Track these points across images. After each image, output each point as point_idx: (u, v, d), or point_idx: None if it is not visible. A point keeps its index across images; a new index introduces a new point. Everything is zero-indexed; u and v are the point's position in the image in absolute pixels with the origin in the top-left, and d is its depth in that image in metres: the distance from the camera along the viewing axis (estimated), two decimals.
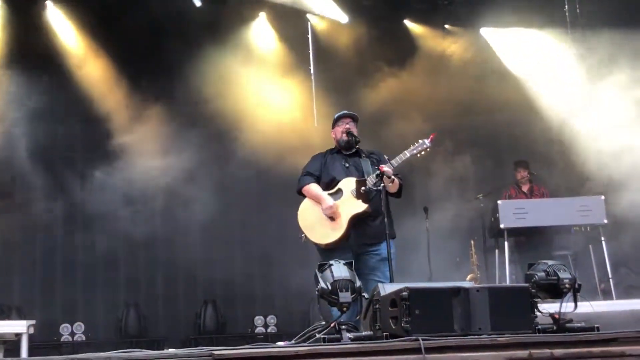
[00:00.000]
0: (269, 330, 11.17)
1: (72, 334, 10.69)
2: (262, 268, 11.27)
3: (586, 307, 5.12)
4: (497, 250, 9.00)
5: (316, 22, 12.04)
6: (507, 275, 8.62)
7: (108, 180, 10.80)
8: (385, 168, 6.16)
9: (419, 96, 11.19)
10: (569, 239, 9.20)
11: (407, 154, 6.41)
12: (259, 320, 11.19)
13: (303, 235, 6.45)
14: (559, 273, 4.72)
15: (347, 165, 6.58)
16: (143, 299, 11.14)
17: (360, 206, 6.29)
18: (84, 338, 10.68)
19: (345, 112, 6.76)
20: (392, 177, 6.25)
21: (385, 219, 6.04)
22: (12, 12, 10.48)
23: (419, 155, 6.45)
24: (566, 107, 10.31)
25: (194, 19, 10.94)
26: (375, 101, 11.23)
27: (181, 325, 11.23)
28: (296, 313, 11.10)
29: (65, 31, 10.92)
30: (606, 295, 8.34)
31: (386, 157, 6.39)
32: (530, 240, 9.11)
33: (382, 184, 6.06)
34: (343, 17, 11.77)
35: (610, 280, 8.35)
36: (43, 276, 10.92)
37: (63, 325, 10.66)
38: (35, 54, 10.58)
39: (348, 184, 6.38)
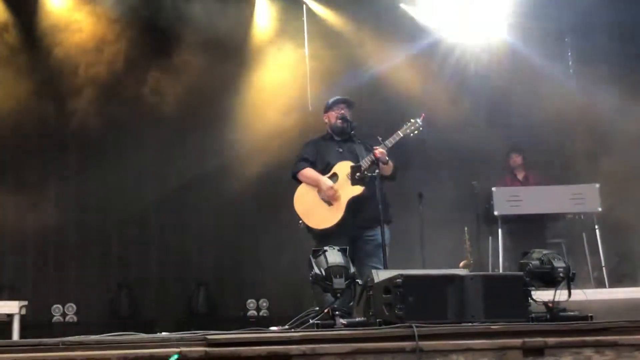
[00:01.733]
0: (261, 313, 11.15)
1: (64, 314, 10.64)
2: (254, 251, 11.23)
3: (580, 295, 5.13)
4: (490, 237, 9.00)
5: (312, 5, 11.97)
6: (500, 262, 8.63)
7: (102, 161, 10.75)
8: (380, 150, 6.15)
9: (415, 79, 11.15)
10: (563, 227, 9.21)
11: (400, 134, 6.43)
12: (251, 303, 11.16)
13: (301, 221, 6.43)
14: (553, 262, 4.73)
15: (340, 150, 6.57)
16: (135, 280, 11.10)
17: (357, 189, 6.28)
18: (75, 319, 10.64)
19: (340, 97, 6.72)
20: (387, 159, 6.24)
21: (380, 205, 6.02)
22: None
23: (412, 134, 6.47)
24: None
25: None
26: (371, 85, 11.18)
27: (173, 307, 11.19)
28: (288, 296, 11.09)
29: None
30: (599, 283, 8.35)
31: (380, 138, 6.36)
32: (524, 228, 9.10)
33: (377, 170, 6.05)
34: None
35: (604, 268, 8.36)
36: (35, 256, 10.88)
37: (55, 306, 10.62)
38: None
39: (343, 168, 6.38)
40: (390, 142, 6.34)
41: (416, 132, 6.45)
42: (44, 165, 10.96)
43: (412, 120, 6.48)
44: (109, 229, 11.02)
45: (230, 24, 11.06)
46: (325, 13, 11.94)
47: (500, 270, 8.55)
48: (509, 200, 8.49)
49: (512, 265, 8.52)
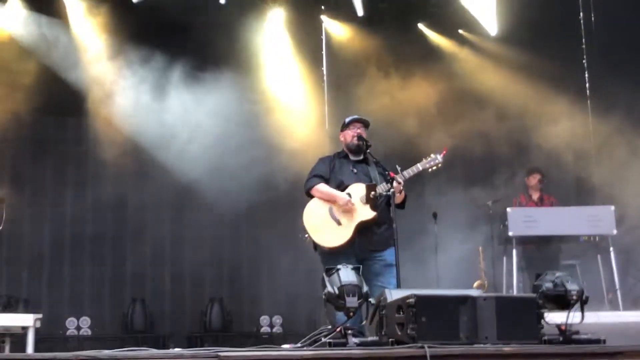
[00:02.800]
0: (274, 330, 11.18)
1: (78, 328, 10.72)
2: (269, 268, 11.27)
3: (593, 317, 5.11)
4: (505, 258, 8.98)
5: (330, 25, 12.05)
6: (514, 283, 8.60)
7: (118, 176, 10.82)
8: (398, 180, 6.19)
9: (431, 100, 11.19)
10: (577, 249, 9.17)
11: (419, 167, 6.45)
12: (264, 319, 11.19)
13: (307, 235, 6.44)
14: (566, 284, 4.71)
15: (355, 171, 6.58)
16: (149, 295, 11.15)
17: (369, 214, 6.29)
18: (89, 332, 10.71)
19: (357, 116, 6.75)
20: (401, 188, 6.28)
21: (394, 224, 6.03)
22: None
23: (430, 170, 6.50)
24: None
25: (208, 16, 10.94)
26: (387, 106, 11.22)
27: (187, 322, 11.25)
28: (302, 314, 11.11)
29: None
30: (613, 305, 8.31)
31: (399, 168, 6.38)
32: (538, 249, 9.10)
33: (392, 189, 6.07)
34: (358, 11, 11.76)
35: (618, 291, 8.32)
36: (50, 270, 10.94)
37: (69, 319, 10.69)
38: None
39: (357, 190, 6.38)
40: (409, 173, 6.37)
41: (434, 167, 6.50)
42: (61, 178, 11.04)
43: (432, 155, 6.50)
44: (125, 244, 11.07)
45: (247, 41, 11.20)
46: (343, 32, 12.02)
47: (514, 291, 8.52)
48: (524, 221, 8.46)
49: (527, 286, 8.50)
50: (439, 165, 6.50)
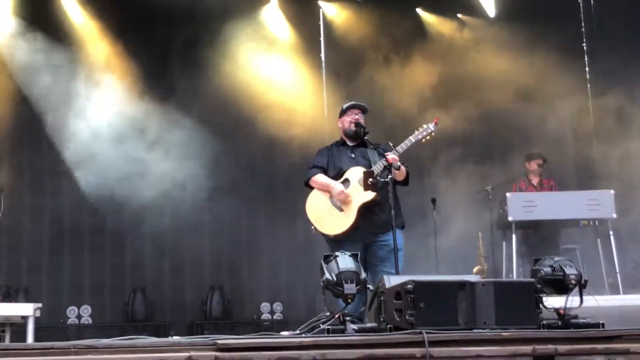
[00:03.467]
0: (275, 317, 11.18)
1: (79, 316, 10.72)
2: (268, 255, 11.27)
3: (592, 302, 5.11)
4: (504, 243, 8.99)
5: (328, 10, 12.01)
6: (514, 268, 8.61)
7: (116, 165, 10.80)
8: (392, 156, 6.15)
9: (430, 85, 11.16)
10: (577, 233, 9.17)
11: (412, 139, 6.43)
12: (265, 307, 11.20)
13: (313, 227, 6.45)
14: (565, 269, 4.72)
15: (352, 155, 6.58)
16: (150, 283, 11.15)
17: (369, 195, 6.28)
18: (90, 321, 10.71)
19: (355, 102, 6.74)
20: (399, 164, 6.24)
21: (392, 210, 6.02)
22: None
23: (424, 140, 6.47)
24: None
25: (205, 3, 10.90)
26: (385, 89, 11.20)
27: (187, 310, 11.25)
28: (302, 301, 11.11)
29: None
30: (613, 290, 8.31)
31: (391, 144, 6.36)
32: (538, 233, 9.09)
33: (390, 176, 6.05)
34: None
35: (618, 274, 8.32)
36: (50, 259, 10.95)
37: (70, 308, 10.69)
38: None
39: (355, 173, 6.38)
40: (402, 147, 6.34)
41: (428, 137, 6.45)
42: (60, 168, 11.02)
43: (424, 126, 6.48)
44: (125, 232, 11.05)
45: (245, 28, 11.17)
46: (341, 17, 11.98)
47: (514, 276, 8.53)
48: (523, 205, 8.44)
49: (526, 271, 8.49)
50: (432, 134, 6.47)
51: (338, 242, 6.29)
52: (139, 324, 10.62)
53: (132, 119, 10.65)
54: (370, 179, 6.18)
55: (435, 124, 6.47)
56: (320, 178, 6.53)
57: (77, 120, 10.50)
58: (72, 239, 11.03)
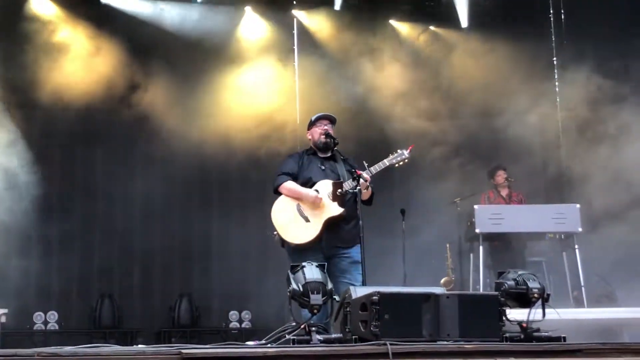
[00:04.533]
0: (243, 325, 11.19)
1: (46, 322, 10.64)
2: (239, 263, 11.27)
3: (555, 315, 5.17)
4: (472, 255, 9.06)
5: (302, 19, 12.06)
6: (481, 279, 8.67)
7: (86, 171, 10.77)
8: (365, 176, 6.20)
9: (402, 94, 11.24)
10: (544, 246, 9.27)
11: (386, 162, 6.47)
12: (233, 315, 11.20)
13: (275, 233, 6.46)
14: (528, 282, 4.77)
15: (323, 167, 6.59)
16: (118, 289, 11.11)
17: (337, 209, 6.31)
18: (57, 327, 10.64)
19: (324, 113, 6.76)
20: (368, 185, 6.30)
21: (360, 221, 6.05)
22: None
23: (397, 165, 6.51)
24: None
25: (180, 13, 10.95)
26: (358, 99, 11.27)
27: (155, 317, 11.22)
28: (271, 309, 11.11)
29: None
30: (578, 303, 8.40)
31: (366, 164, 6.40)
32: (505, 246, 9.17)
33: (358, 187, 6.09)
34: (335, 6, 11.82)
35: (583, 288, 8.41)
36: (17, 263, 10.84)
37: (36, 313, 10.61)
38: None
39: (324, 187, 6.40)
40: (375, 169, 6.39)
41: (402, 163, 6.52)
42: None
43: (399, 151, 6.53)
44: (93, 237, 11.00)
45: (219, 36, 11.20)
46: (316, 28, 12.03)
47: (481, 288, 8.59)
48: (490, 218, 8.51)
49: (493, 283, 8.55)
50: (406, 160, 6.53)
51: (300, 252, 6.30)
52: (106, 331, 10.58)
53: None
54: (339, 190, 6.22)
55: (410, 150, 6.52)
56: (291, 185, 6.54)
57: None
58: (39, 243, 10.93)
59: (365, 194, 6.37)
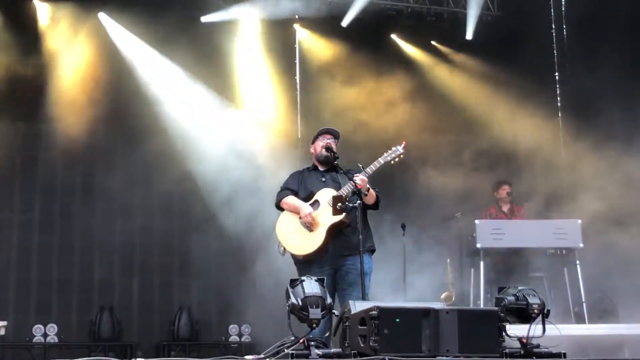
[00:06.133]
0: (243, 339, 11.13)
1: (45, 335, 10.57)
2: (238, 276, 11.24)
3: (555, 331, 5.15)
4: (472, 270, 9.03)
5: (304, 34, 12.09)
6: (481, 295, 8.64)
7: (85, 183, 10.77)
8: (361, 177, 6.16)
9: (404, 109, 11.25)
10: (545, 261, 9.24)
11: (381, 161, 6.44)
12: (233, 329, 11.15)
13: (282, 248, 6.45)
14: (528, 298, 4.77)
15: (323, 179, 6.60)
16: (118, 302, 11.07)
17: (337, 216, 6.29)
18: (56, 340, 10.57)
19: (326, 127, 6.77)
20: (368, 186, 6.26)
21: (360, 235, 6.03)
22: None
23: (392, 162, 6.48)
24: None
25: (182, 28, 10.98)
26: (359, 115, 11.28)
27: (155, 330, 11.16)
28: (271, 323, 11.05)
29: None
30: (579, 319, 8.37)
31: (360, 166, 6.38)
32: (506, 261, 9.14)
33: (359, 201, 6.07)
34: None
35: (584, 304, 8.39)
36: (17, 276, 10.83)
37: (36, 326, 10.56)
38: None
39: (325, 195, 6.39)
40: (371, 169, 6.37)
41: (397, 159, 6.47)
42: (31, 187, 10.99)
43: (393, 148, 6.51)
44: (93, 251, 10.99)
45: (221, 49, 11.25)
46: (318, 42, 12.06)
47: (482, 303, 8.56)
48: (492, 233, 8.52)
49: (494, 298, 8.53)
50: (401, 156, 6.48)
51: (307, 264, 6.29)
52: (105, 344, 10.52)
53: None
54: (339, 204, 6.19)
55: (404, 146, 6.50)
56: (290, 200, 6.56)
57: None
58: (39, 255, 10.92)
59: (369, 198, 6.33)
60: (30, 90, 10.69)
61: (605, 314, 8.75)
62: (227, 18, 11.36)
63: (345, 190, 6.26)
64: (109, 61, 11.04)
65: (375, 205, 6.55)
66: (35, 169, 11.08)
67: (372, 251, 6.55)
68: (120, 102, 10.95)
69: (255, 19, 11.57)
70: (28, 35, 10.74)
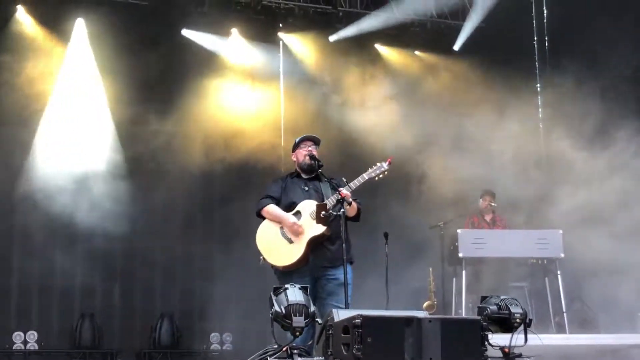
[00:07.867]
0: (224, 347, 11.11)
1: (25, 342, 10.51)
2: (221, 284, 11.20)
3: (537, 340, 5.18)
4: (455, 279, 9.06)
5: (288, 42, 12.11)
6: (463, 304, 8.67)
7: (67, 187, 10.71)
8: (345, 192, 6.18)
9: (387, 118, 11.28)
10: (526, 271, 9.29)
11: (365, 176, 6.46)
12: (214, 337, 11.12)
13: (261, 257, 6.45)
14: (510, 307, 4.80)
15: (306, 188, 6.59)
16: (99, 309, 11.00)
17: (319, 228, 6.29)
18: (36, 347, 10.51)
19: (308, 135, 6.77)
20: (351, 200, 6.28)
21: (344, 244, 6.04)
22: None
23: (377, 178, 6.51)
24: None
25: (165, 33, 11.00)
26: (344, 122, 11.31)
27: (136, 338, 11.11)
28: (253, 331, 11.05)
29: None
30: (560, 328, 8.42)
31: (344, 180, 6.41)
32: (488, 270, 9.18)
33: (342, 209, 6.08)
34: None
35: (565, 314, 8.44)
36: None
37: (16, 333, 10.48)
38: None
39: (307, 207, 6.39)
40: (355, 184, 6.38)
41: (381, 175, 6.50)
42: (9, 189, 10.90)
43: (378, 164, 6.53)
44: (75, 256, 10.92)
45: (206, 58, 11.26)
46: (301, 51, 12.09)
47: (463, 312, 8.59)
48: (473, 242, 8.57)
49: (475, 307, 8.56)
50: (386, 173, 6.51)
51: (286, 274, 6.28)
52: (86, 351, 10.48)
53: None
54: (323, 212, 6.19)
55: (389, 163, 6.52)
56: (272, 209, 6.54)
57: None
58: (20, 261, 10.84)
59: (351, 210, 6.35)
60: None
61: (586, 324, 8.82)
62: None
63: (330, 202, 6.28)
64: None
65: (356, 217, 6.58)
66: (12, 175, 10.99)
67: (352, 262, 6.56)
68: None
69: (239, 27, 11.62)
70: None
